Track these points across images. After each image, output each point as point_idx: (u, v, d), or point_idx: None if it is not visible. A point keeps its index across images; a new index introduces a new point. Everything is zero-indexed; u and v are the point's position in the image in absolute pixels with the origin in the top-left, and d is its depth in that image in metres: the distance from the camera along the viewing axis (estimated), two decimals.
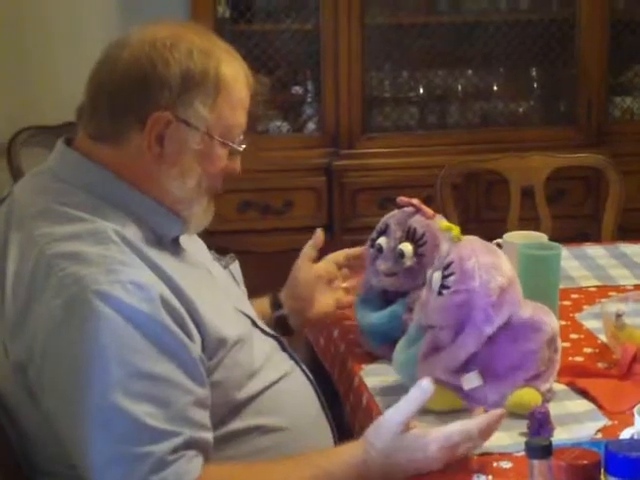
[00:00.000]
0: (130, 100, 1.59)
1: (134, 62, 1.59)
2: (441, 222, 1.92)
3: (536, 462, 1.24)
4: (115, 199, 1.61)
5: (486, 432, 1.60)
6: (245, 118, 1.66)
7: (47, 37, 3.84)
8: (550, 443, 1.24)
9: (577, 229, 3.67)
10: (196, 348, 1.55)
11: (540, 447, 1.24)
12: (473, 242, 1.79)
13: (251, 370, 1.69)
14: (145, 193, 1.63)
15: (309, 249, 2.10)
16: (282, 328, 2.04)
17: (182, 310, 1.55)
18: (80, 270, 1.50)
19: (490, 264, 1.75)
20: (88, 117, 1.64)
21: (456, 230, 1.79)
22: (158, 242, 1.63)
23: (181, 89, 1.59)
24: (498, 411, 1.62)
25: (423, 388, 1.59)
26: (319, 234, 2.11)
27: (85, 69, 1.68)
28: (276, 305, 2.07)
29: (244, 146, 1.67)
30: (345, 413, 2.04)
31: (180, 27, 1.65)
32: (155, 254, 1.59)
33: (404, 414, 1.58)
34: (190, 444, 1.50)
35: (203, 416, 1.55)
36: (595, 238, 3.18)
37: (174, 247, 1.68)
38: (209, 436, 1.55)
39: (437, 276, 1.76)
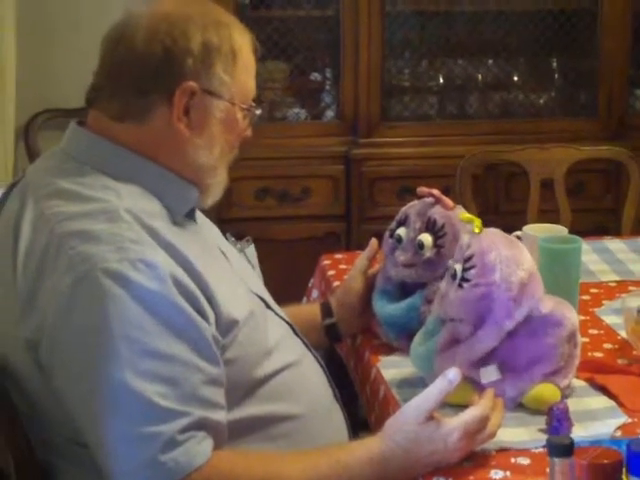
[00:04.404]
0: (156, 75, 1.61)
1: (153, 38, 1.61)
2: (462, 213, 1.90)
3: (557, 460, 1.23)
4: (129, 174, 1.62)
5: (496, 418, 1.60)
6: (255, 83, 1.72)
7: (70, 20, 3.84)
8: (572, 442, 1.23)
9: (596, 223, 3.64)
10: (209, 327, 1.55)
11: (562, 446, 1.22)
12: (494, 234, 1.78)
13: (266, 348, 1.69)
14: (163, 165, 1.65)
15: (363, 259, 2.10)
16: (332, 335, 2.06)
17: (195, 288, 1.54)
18: (90, 248, 1.50)
19: (511, 257, 1.73)
20: (108, 97, 1.65)
21: (477, 222, 1.77)
22: (172, 219, 1.63)
23: (203, 57, 1.63)
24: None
25: (450, 379, 1.58)
26: (374, 244, 2.10)
27: None
28: (327, 312, 2.07)
29: (260, 111, 1.73)
30: (359, 405, 2.03)
31: (182, 1, 1.70)
32: (168, 231, 1.58)
33: (428, 405, 1.58)
34: (201, 424, 1.50)
35: (216, 394, 1.54)
36: (614, 232, 3.15)
37: (188, 223, 1.68)
38: (222, 416, 1.55)
39: (458, 268, 1.74)
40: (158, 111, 1.63)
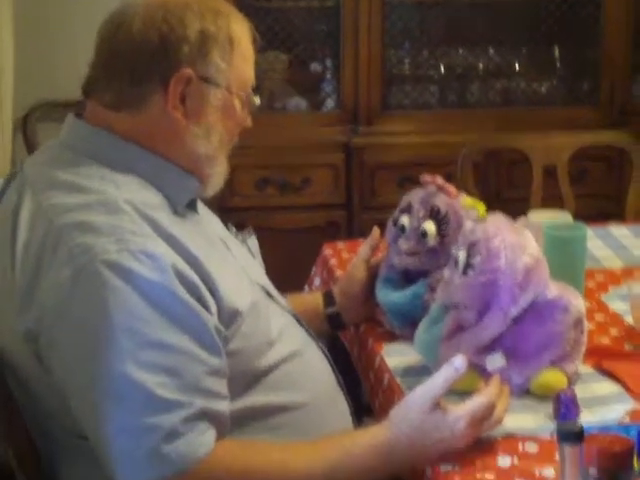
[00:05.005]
0: (152, 63, 1.60)
1: (150, 26, 1.60)
2: (466, 199, 1.88)
3: (567, 447, 1.21)
4: (127, 164, 1.60)
5: (502, 404, 1.59)
6: (253, 72, 1.70)
7: (68, 12, 3.82)
8: (582, 428, 1.21)
9: (598, 209, 3.60)
10: (212, 318, 1.53)
11: (572, 432, 1.21)
12: (498, 220, 1.76)
13: (269, 339, 1.68)
14: (162, 156, 1.63)
15: (366, 248, 2.08)
16: (334, 324, 2.05)
17: (197, 279, 1.53)
18: (90, 240, 1.49)
19: (516, 243, 1.71)
20: (103, 87, 1.63)
21: (481, 207, 1.75)
22: (173, 210, 1.62)
23: (200, 44, 1.61)
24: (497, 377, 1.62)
25: (456, 366, 1.57)
26: (376, 233, 2.08)
27: None
28: (330, 301, 2.05)
29: (258, 99, 1.71)
30: (363, 393, 2.02)
31: None
32: (169, 222, 1.57)
33: (434, 392, 1.56)
34: (203, 415, 1.48)
35: (218, 384, 1.52)
36: (617, 218, 3.12)
37: (190, 214, 1.67)
38: (224, 407, 1.53)
39: (462, 255, 1.72)
40: (154, 99, 1.61)
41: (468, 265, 1.71)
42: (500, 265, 1.69)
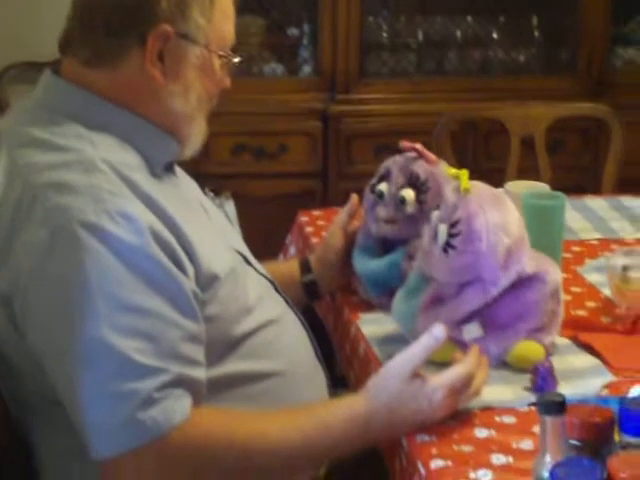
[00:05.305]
0: (128, 17, 1.55)
1: None
2: (448, 169, 1.85)
3: (549, 419, 1.20)
4: (105, 124, 1.56)
5: (481, 375, 1.58)
6: (234, 30, 1.66)
7: None
8: (564, 399, 1.20)
9: (574, 181, 3.60)
10: (189, 281, 1.51)
11: (554, 403, 1.19)
12: (482, 195, 1.72)
13: (247, 305, 1.65)
14: (140, 115, 1.59)
15: (343, 215, 2.05)
16: (310, 292, 2.02)
17: (174, 242, 1.50)
18: (66, 200, 1.46)
19: (498, 223, 1.68)
20: (80, 42, 1.59)
21: (465, 178, 1.72)
22: (151, 171, 1.58)
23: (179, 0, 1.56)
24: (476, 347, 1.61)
25: (435, 335, 1.55)
26: (354, 200, 2.05)
27: None
28: (306, 269, 2.02)
29: (239, 58, 1.67)
30: (336, 365, 2.00)
31: None
32: (147, 184, 1.54)
33: (413, 362, 1.54)
34: (179, 382, 1.46)
35: (194, 351, 1.50)
36: (592, 191, 3.12)
37: (168, 176, 1.64)
38: (201, 374, 1.51)
39: (443, 230, 1.69)
40: (131, 56, 1.57)
41: (449, 245, 1.68)
42: (482, 247, 1.67)
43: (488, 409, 1.59)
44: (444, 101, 3.60)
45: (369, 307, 1.97)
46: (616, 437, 1.29)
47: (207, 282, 1.56)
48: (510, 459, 1.46)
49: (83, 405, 1.43)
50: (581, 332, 1.84)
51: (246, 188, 3.62)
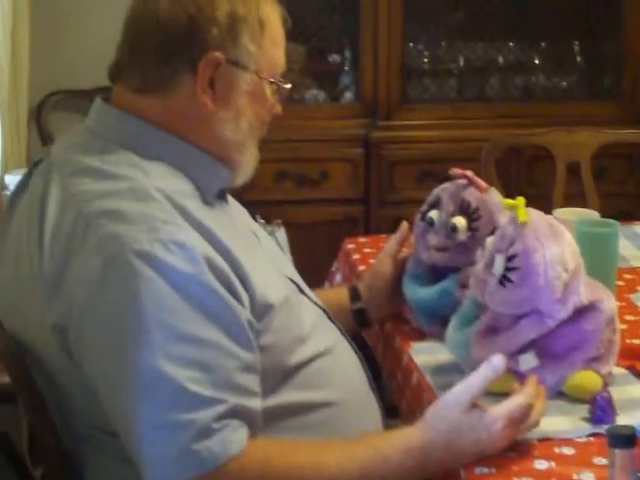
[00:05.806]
0: (179, 44, 1.56)
1: (177, 6, 1.56)
2: (504, 200, 1.82)
3: (618, 452, 1.17)
4: (157, 152, 1.56)
5: (539, 406, 1.55)
6: (284, 57, 1.66)
7: (83, 1, 3.79)
8: (634, 432, 1.17)
9: (619, 208, 3.57)
10: (244, 311, 1.50)
11: (624, 436, 1.16)
12: (539, 228, 1.68)
13: (301, 334, 1.64)
14: (191, 143, 1.59)
15: (393, 243, 2.03)
16: (360, 320, 2.00)
17: (229, 271, 1.49)
18: (120, 229, 1.45)
19: (556, 257, 1.65)
20: (130, 69, 1.59)
21: (521, 210, 1.69)
22: (203, 199, 1.57)
23: (229, 27, 1.57)
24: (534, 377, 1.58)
25: (494, 366, 1.53)
26: (405, 228, 2.03)
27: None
28: (355, 297, 2.00)
29: (290, 85, 1.66)
30: (386, 393, 1.98)
31: None
32: (200, 211, 1.53)
33: (472, 392, 1.52)
34: (235, 412, 1.44)
35: (250, 381, 1.48)
36: (638, 218, 3.08)
37: (220, 204, 1.63)
38: (257, 404, 1.49)
39: (499, 261, 1.66)
40: (182, 82, 1.57)
41: (506, 278, 1.66)
42: (540, 283, 1.65)
43: (547, 440, 1.57)
44: (486, 127, 3.58)
45: (420, 336, 1.95)
46: None
47: (262, 311, 1.54)
48: None
49: (139, 435, 1.42)
50: (638, 361, 1.80)
51: (288, 215, 3.60)
